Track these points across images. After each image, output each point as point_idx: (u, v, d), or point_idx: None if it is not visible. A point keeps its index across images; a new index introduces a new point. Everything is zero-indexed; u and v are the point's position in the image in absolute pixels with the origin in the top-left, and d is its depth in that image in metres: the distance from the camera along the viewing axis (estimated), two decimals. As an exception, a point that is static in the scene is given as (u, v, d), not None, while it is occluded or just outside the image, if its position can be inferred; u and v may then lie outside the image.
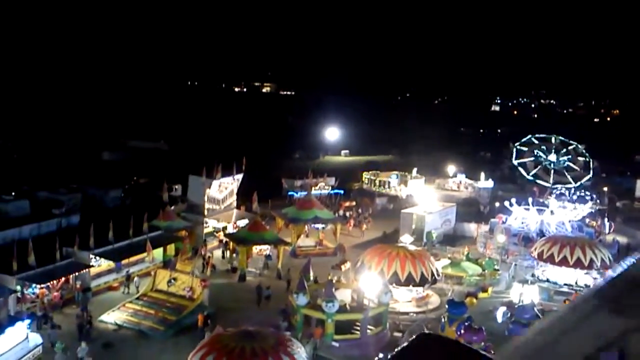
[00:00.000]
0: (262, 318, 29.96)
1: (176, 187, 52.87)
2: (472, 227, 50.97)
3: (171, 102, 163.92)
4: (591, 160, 61.75)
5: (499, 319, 30.03)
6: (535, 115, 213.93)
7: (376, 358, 27.21)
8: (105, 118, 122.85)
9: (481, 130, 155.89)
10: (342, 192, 60.16)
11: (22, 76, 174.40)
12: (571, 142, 62.78)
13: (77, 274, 32.03)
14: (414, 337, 24.06)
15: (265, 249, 40.16)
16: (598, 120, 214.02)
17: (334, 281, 32.11)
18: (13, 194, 45.35)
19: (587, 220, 53.32)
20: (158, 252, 37.69)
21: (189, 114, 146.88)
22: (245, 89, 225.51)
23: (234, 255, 39.44)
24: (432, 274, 34.12)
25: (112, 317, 30.23)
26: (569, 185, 58.56)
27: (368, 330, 28.96)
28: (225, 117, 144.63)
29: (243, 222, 44.21)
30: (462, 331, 27.11)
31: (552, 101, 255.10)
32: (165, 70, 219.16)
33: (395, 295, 34.48)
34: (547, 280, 39.11)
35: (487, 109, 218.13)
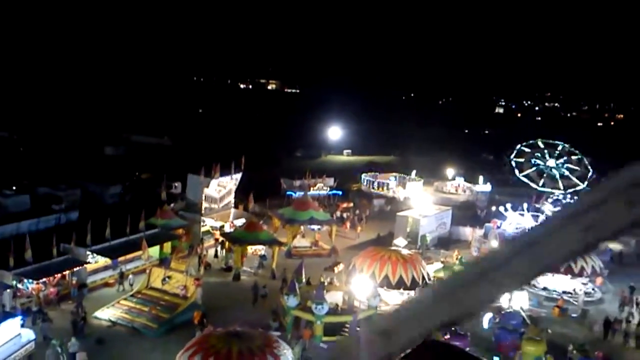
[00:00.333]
0: (253, 318, 30.60)
1: (176, 184, 53.40)
2: (467, 231, 51.40)
3: (176, 97, 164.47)
4: (590, 171, 62.12)
5: (485, 325, 30.49)
6: (539, 118, 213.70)
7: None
8: (109, 112, 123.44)
9: (486, 132, 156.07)
10: (340, 193, 60.67)
11: (28, 70, 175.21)
12: (577, 152, 63.13)
13: (73, 270, 32.61)
14: (419, 343, 24.76)
15: (260, 248, 40.71)
16: (602, 124, 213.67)
17: (325, 283, 32.74)
18: (14, 188, 45.98)
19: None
20: (155, 250, 38.31)
21: (194, 110, 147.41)
22: (250, 86, 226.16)
23: (230, 254, 39.98)
24: (423, 278, 34.64)
25: (107, 314, 30.82)
26: (557, 191, 59.03)
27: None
28: (229, 113, 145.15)
29: (240, 222, 44.73)
30: (447, 336, 27.62)
31: (556, 104, 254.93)
32: (172, 66, 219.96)
33: (386, 298, 35.05)
34: (536, 287, 39.56)
35: (491, 111, 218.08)
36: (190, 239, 41.85)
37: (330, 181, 62.25)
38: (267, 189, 57.92)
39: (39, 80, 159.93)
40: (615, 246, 51.45)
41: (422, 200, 54.20)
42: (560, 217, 1.65)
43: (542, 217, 48.76)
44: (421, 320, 1.87)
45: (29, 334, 24.65)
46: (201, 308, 31.00)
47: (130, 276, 35.08)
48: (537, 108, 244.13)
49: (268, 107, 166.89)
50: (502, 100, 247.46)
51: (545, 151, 62.77)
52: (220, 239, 42.40)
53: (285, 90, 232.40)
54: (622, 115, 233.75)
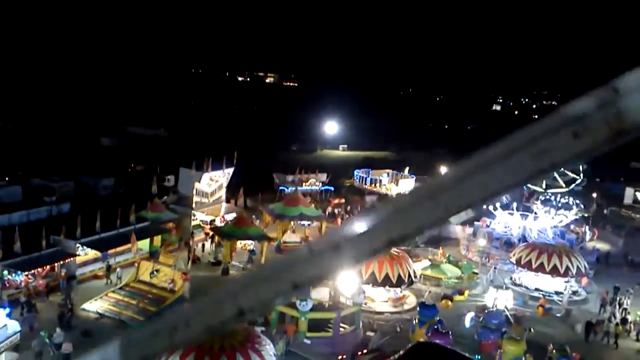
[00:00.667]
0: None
1: (168, 177, 53.61)
2: (457, 229, 51.75)
3: (174, 89, 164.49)
4: (580, 177, 62.54)
5: (467, 324, 30.90)
6: (536, 116, 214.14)
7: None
8: (107, 103, 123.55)
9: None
10: (332, 188, 60.99)
11: (27, 60, 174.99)
12: None
13: (62, 262, 32.95)
14: (410, 345, 25.03)
15: (250, 243, 41.09)
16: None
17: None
18: (7, 179, 46.22)
19: (573, 226, 54.19)
20: (145, 243, 38.65)
21: (191, 102, 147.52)
22: (248, 79, 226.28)
23: (219, 248, 40.35)
24: (409, 276, 35.03)
25: (94, 306, 31.21)
26: (560, 190, 59.41)
27: (340, 329, 29.90)
28: (226, 106, 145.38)
29: (231, 216, 45.06)
30: (430, 334, 28.06)
31: (553, 102, 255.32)
32: (170, 58, 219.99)
33: (372, 295, 35.49)
34: (523, 286, 40.04)
35: (488, 108, 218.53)
36: (180, 232, 42.22)
37: (323, 177, 62.54)
38: (260, 184, 58.27)
39: (37, 71, 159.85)
40: (602, 246, 52.04)
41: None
42: (510, 144, 1.69)
43: (531, 217, 49.30)
44: (371, 237, 1.87)
45: (14, 326, 25.00)
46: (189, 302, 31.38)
47: (118, 269, 35.36)
48: (534, 106, 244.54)
49: (265, 101, 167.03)
50: (500, 97, 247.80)
51: None
52: (210, 233, 42.77)
53: (284, 83, 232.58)
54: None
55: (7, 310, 25.35)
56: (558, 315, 36.31)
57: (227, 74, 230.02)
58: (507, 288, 37.26)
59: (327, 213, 54.00)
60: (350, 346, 29.35)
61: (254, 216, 48.82)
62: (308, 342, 28.55)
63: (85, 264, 35.45)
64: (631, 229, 58.87)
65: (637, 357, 32.47)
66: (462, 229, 50.82)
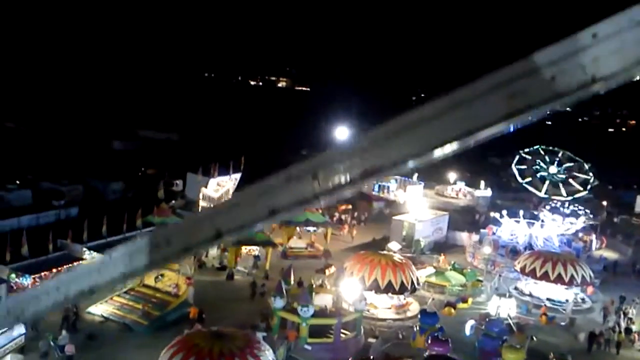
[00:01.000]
0: (243, 318, 31.39)
1: (177, 182, 54.10)
2: (463, 236, 51.82)
3: (186, 93, 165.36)
4: (592, 178, 62.19)
5: (467, 332, 30.96)
6: (549, 122, 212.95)
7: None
8: (119, 107, 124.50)
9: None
10: (339, 194, 61.07)
11: (41, 63, 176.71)
12: (577, 158, 63.28)
13: (68, 266, 33.37)
14: (425, 358, 25.07)
15: (254, 249, 41.40)
16: (613, 130, 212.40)
17: (315, 285, 33.34)
18: (17, 182, 46.89)
19: (581, 234, 54.02)
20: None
21: (203, 106, 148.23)
22: (260, 83, 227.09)
23: (224, 253, 40.70)
24: (412, 283, 35.14)
25: (100, 310, 31.62)
26: (562, 198, 59.17)
27: (342, 335, 30.09)
28: (237, 110, 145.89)
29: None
30: (429, 342, 28.19)
31: (567, 108, 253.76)
32: (183, 62, 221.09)
33: (376, 302, 35.66)
34: (528, 294, 39.99)
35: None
36: (186, 237, 42.55)
37: (331, 182, 62.60)
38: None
39: (51, 75, 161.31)
40: (611, 255, 51.84)
41: (419, 205, 54.64)
42: (488, 84, 1.72)
43: (537, 224, 49.19)
44: (347, 167, 1.89)
45: (19, 328, 25.46)
46: (193, 306, 31.79)
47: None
48: (548, 112, 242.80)
49: (277, 105, 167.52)
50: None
51: (546, 158, 62.93)
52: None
53: (296, 88, 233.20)
54: (634, 122, 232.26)
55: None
56: (562, 324, 36.25)
57: (240, 78, 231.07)
58: (510, 296, 37.28)
59: (334, 219, 54.26)
60: (351, 352, 29.58)
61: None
62: (309, 348, 28.76)
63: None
64: (641, 237, 58.47)
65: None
66: (468, 236, 50.90)
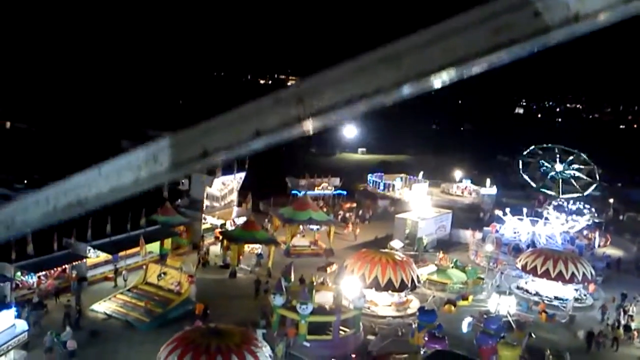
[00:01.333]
0: (244, 315, 31.85)
1: (183, 181, 54.50)
2: (467, 234, 51.96)
3: (195, 92, 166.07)
4: (595, 167, 62.10)
5: (464, 329, 31.19)
6: (559, 120, 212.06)
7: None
8: (128, 106, 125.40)
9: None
10: (344, 193, 61.52)
11: (50, 63, 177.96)
12: (573, 150, 63.24)
13: (73, 264, 34.00)
14: (430, 352, 25.39)
15: (257, 247, 41.83)
16: (624, 127, 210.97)
17: (315, 283, 33.69)
18: (25, 182, 47.56)
19: (586, 232, 54.01)
20: (155, 246, 39.60)
21: (212, 105, 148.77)
22: (270, 82, 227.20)
23: (228, 251, 41.15)
24: (412, 281, 35.40)
25: (103, 307, 32.19)
26: (576, 195, 59.07)
27: (341, 332, 30.44)
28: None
29: (242, 220, 45.77)
30: (426, 338, 28.48)
31: (578, 106, 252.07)
32: (192, 60, 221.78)
33: (376, 299, 35.98)
34: (529, 292, 40.16)
35: (510, 112, 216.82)
36: (191, 236, 43.14)
37: (336, 181, 63.09)
38: (274, 188, 59.01)
39: (62, 75, 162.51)
40: (615, 253, 51.80)
41: (422, 203, 54.83)
42: (475, 16, 1.73)
43: (541, 222, 49.25)
44: (336, 93, 1.88)
45: (22, 325, 26.06)
46: (191, 304, 32.29)
47: (124, 272, 36.24)
48: (558, 109, 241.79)
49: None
50: (523, 100, 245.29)
51: (557, 156, 62.89)
52: (220, 237, 43.59)
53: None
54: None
55: (15, 309, 26.40)
56: (563, 321, 36.39)
57: (249, 77, 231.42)
58: (510, 293, 37.45)
59: (338, 217, 54.63)
60: (351, 349, 29.93)
61: (266, 220, 49.61)
62: (307, 345, 29.12)
63: (96, 266, 36.43)
64: (646, 235, 58.27)
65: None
66: (472, 234, 51.00)
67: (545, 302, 38.14)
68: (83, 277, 34.80)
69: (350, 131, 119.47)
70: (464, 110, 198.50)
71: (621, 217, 67.41)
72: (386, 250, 39.75)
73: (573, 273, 38.56)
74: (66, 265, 33.83)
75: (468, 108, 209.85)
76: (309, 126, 2.06)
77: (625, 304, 37.86)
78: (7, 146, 73.24)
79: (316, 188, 58.75)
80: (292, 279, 32.82)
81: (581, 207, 56.36)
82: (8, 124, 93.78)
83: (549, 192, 60.35)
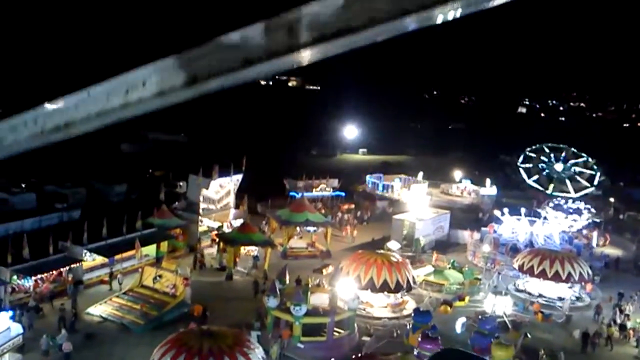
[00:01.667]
0: (241, 317, 31.97)
1: (181, 183, 54.68)
2: (465, 235, 51.92)
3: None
4: (598, 174, 62.16)
5: (458, 330, 31.22)
6: (563, 118, 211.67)
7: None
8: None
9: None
10: (343, 194, 61.53)
11: (51, 67, 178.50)
12: (582, 154, 63.30)
13: (69, 267, 34.13)
14: (439, 350, 25.45)
15: (253, 249, 41.91)
16: (628, 125, 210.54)
17: (311, 285, 33.77)
18: (23, 186, 47.76)
19: (585, 232, 54.00)
20: (151, 249, 39.74)
21: (212, 107, 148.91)
22: (271, 83, 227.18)
23: (224, 254, 41.25)
24: (408, 282, 35.43)
25: (98, 310, 32.31)
26: (569, 195, 59.17)
27: (335, 334, 30.51)
28: (247, 110, 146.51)
29: (239, 222, 45.80)
30: (420, 339, 28.53)
31: (581, 104, 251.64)
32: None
33: (372, 301, 36.03)
34: (526, 292, 40.15)
35: (513, 111, 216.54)
36: (187, 238, 43.27)
37: (335, 182, 63.14)
38: (273, 189, 59.07)
39: (64, 78, 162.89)
40: (614, 252, 51.73)
41: (420, 203, 54.81)
42: None
43: (539, 222, 49.21)
44: (327, 23, 1.85)
45: (17, 328, 26.21)
46: (186, 307, 32.42)
47: (119, 276, 36.35)
48: (561, 108, 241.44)
49: (287, 105, 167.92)
50: (526, 99, 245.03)
51: (551, 155, 63.01)
52: (216, 239, 43.68)
53: (306, 87, 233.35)
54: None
55: (10, 313, 26.56)
56: (559, 321, 36.38)
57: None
58: (506, 294, 37.44)
59: (337, 219, 54.67)
60: (345, 350, 29.99)
61: (263, 222, 49.68)
62: (301, 346, 29.21)
63: (92, 269, 36.57)
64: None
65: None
66: (470, 234, 50.97)
67: (541, 302, 38.11)
68: (79, 281, 34.95)
69: (351, 132, 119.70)
70: (466, 110, 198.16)
71: (621, 217, 67.22)
72: (382, 251, 39.70)
73: (569, 273, 38.58)
74: (62, 269, 33.93)
75: (470, 108, 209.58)
76: (302, 57, 2.03)
77: (621, 303, 37.84)
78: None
79: (314, 189, 58.81)
80: (287, 281, 32.89)
81: (580, 206, 56.40)
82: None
83: (539, 187, 60.42)
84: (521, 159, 63.70)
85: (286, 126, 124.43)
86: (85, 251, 35.46)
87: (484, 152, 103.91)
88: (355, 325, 32.03)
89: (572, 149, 64.15)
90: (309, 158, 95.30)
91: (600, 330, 33.98)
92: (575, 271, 38.68)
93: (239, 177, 48.42)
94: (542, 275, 38.92)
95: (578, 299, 39.78)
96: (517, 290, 40.59)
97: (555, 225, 49.79)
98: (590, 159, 63.12)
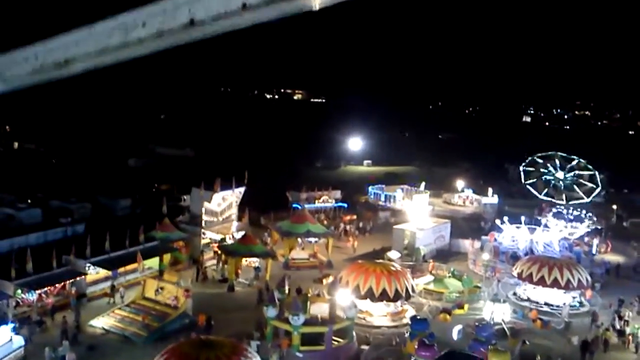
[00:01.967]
0: (242, 327, 32.39)
1: (185, 197, 55.32)
2: (466, 243, 52.20)
3: (202, 108, 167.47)
4: (596, 172, 62.31)
5: (454, 337, 31.55)
6: (568, 127, 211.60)
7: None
8: (136, 124, 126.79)
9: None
10: (345, 205, 62.02)
11: (58, 83, 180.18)
12: (573, 157, 63.56)
13: (72, 280, 34.72)
14: (442, 352, 25.80)
15: (255, 261, 42.41)
16: (633, 132, 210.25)
17: (311, 295, 34.20)
18: (29, 201, 48.58)
19: (587, 239, 54.18)
20: (154, 262, 40.32)
21: (218, 121, 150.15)
22: (276, 96, 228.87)
23: (225, 266, 41.76)
24: (407, 291, 35.77)
25: (101, 322, 32.82)
26: (581, 201, 59.33)
27: (334, 342, 30.88)
28: (253, 124, 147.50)
29: (241, 234, 46.26)
30: (417, 346, 28.89)
31: (586, 112, 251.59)
32: (198, 76, 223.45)
33: (371, 310, 36.38)
34: (526, 299, 40.35)
35: (518, 120, 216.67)
36: (190, 251, 43.82)
37: (337, 193, 63.62)
38: (276, 202, 59.67)
39: (68, 93, 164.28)
40: (614, 258, 51.88)
41: (420, 213, 55.20)
42: None
43: (539, 229, 49.48)
44: None
45: (19, 340, 26.79)
46: (188, 318, 32.91)
47: (121, 289, 36.90)
48: (566, 116, 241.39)
49: (293, 118, 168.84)
50: (531, 108, 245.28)
51: (557, 163, 63.27)
52: (218, 251, 44.19)
53: (311, 100, 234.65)
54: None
55: (12, 325, 27.15)
56: (558, 327, 36.58)
57: (256, 92, 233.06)
58: (504, 301, 37.72)
59: (339, 230, 55.16)
60: (343, 359, 30.38)
61: (266, 234, 50.24)
62: (300, 355, 29.59)
63: (96, 282, 37.13)
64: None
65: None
66: (471, 243, 51.25)
67: (538, 309, 38.36)
68: (82, 294, 35.52)
69: (355, 144, 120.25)
70: (470, 120, 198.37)
71: (624, 224, 67.30)
72: (381, 260, 40.08)
73: (568, 279, 38.82)
74: (66, 282, 34.49)
75: (475, 118, 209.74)
76: (312, 2, 2.00)
77: (620, 310, 38.02)
78: (14, 166, 74.68)
79: (316, 201, 59.33)
80: (286, 291, 33.31)
81: (581, 213, 56.63)
82: (16, 144, 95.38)
83: (553, 200, 60.56)
84: (526, 161, 64.02)
85: (291, 139, 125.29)
86: (88, 264, 36.04)
87: (488, 162, 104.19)
88: (354, 334, 32.38)
89: (582, 160, 64.20)
90: (314, 170, 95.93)
91: (597, 334, 34.20)
92: (574, 278, 38.92)
93: (242, 189, 48.98)
94: (541, 282, 39.16)
95: (577, 305, 39.92)
96: (517, 297, 40.82)
97: (556, 232, 50.03)
98: (597, 174, 63.17)
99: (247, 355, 24.33)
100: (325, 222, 54.64)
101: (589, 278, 40.18)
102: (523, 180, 61.79)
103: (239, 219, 49.70)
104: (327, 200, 60.82)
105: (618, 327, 35.67)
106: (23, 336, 27.88)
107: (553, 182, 62.09)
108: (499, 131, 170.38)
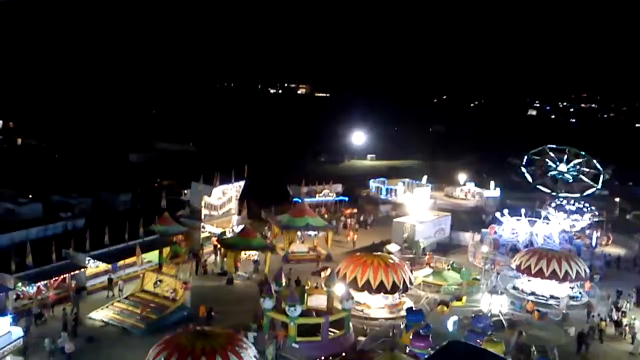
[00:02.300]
0: (241, 319, 32.62)
1: (186, 191, 55.53)
2: (467, 236, 52.27)
3: (205, 103, 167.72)
4: (602, 170, 62.26)
5: (450, 328, 31.70)
6: (574, 120, 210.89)
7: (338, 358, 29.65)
8: (138, 120, 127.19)
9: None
10: (346, 199, 62.18)
11: (60, 79, 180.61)
12: (583, 153, 63.51)
13: (71, 274, 34.99)
14: (444, 343, 26.00)
15: (254, 254, 42.62)
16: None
17: (308, 287, 34.40)
18: (30, 196, 48.90)
19: (588, 232, 54.21)
20: (154, 255, 40.58)
21: (221, 116, 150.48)
22: (280, 91, 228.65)
23: (224, 259, 41.98)
24: (404, 283, 35.93)
25: (100, 315, 33.12)
26: (575, 195, 59.41)
27: (330, 333, 31.06)
28: (257, 118, 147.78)
29: (241, 228, 46.47)
30: (412, 337, 29.05)
31: (593, 105, 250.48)
32: (202, 72, 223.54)
33: (369, 302, 36.56)
34: (525, 291, 40.45)
35: (523, 113, 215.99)
36: (189, 244, 44.08)
37: (338, 187, 63.76)
38: (278, 196, 59.86)
39: (71, 90, 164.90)
40: (615, 251, 51.90)
41: (422, 206, 55.29)
42: None
43: (539, 222, 49.48)
44: None
45: (18, 331, 27.10)
46: (186, 311, 33.16)
47: (120, 282, 37.16)
48: (572, 110, 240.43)
49: (296, 112, 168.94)
50: (537, 102, 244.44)
51: (554, 156, 63.28)
52: (217, 245, 44.43)
53: (315, 94, 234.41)
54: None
55: (10, 317, 27.47)
56: (556, 319, 36.68)
57: (259, 86, 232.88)
58: (502, 293, 37.81)
59: (340, 223, 55.35)
60: (340, 350, 30.55)
61: (266, 227, 50.46)
62: (296, 346, 29.79)
63: (96, 275, 37.41)
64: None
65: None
66: (471, 236, 51.30)
67: (535, 300, 38.48)
68: (82, 287, 35.81)
69: (358, 138, 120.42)
70: (476, 113, 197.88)
71: (628, 217, 67.23)
72: (379, 253, 40.19)
73: (567, 272, 38.88)
74: (65, 275, 34.75)
75: (480, 111, 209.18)
76: None
77: (618, 301, 38.09)
78: (16, 161, 75.12)
79: (317, 195, 59.52)
80: (283, 283, 33.50)
81: (583, 206, 56.63)
82: (19, 141, 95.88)
83: (545, 189, 60.68)
84: (524, 161, 64.00)
85: (295, 133, 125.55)
86: (87, 258, 36.31)
87: (492, 155, 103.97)
88: (351, 325, 32.56)
89: (574, 149, 64.30)
90: (317, 164, 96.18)
91: (592, 324, 34.30)
92: (572, 270, 38.98)
93: (241, 183, 49.19)
94: (540, 274, 39.25)
95: (578, 296, 40.01)
96: (515, 289, 40.92)
97: (556, 225, 50.02)
98: (592, 158, 63.17)
99: (242, 346, 24.53)
100: (326, 216, 54.86)
101: (588, 270, 40.22)
102: (530, 180, 61.75)
103: (239, 212, 49.92)
104: (328, 194, 60.97)
105: (615, 318, 35.73)
106: (22, 327, 28.16)
107: (557, 175, 62.14)
108: (504, 124, 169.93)
